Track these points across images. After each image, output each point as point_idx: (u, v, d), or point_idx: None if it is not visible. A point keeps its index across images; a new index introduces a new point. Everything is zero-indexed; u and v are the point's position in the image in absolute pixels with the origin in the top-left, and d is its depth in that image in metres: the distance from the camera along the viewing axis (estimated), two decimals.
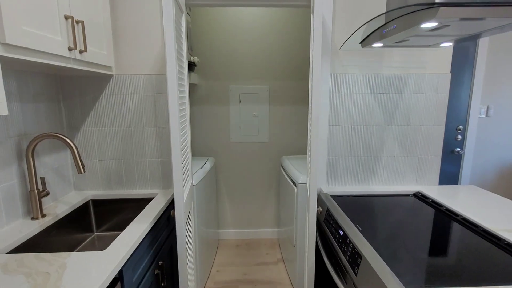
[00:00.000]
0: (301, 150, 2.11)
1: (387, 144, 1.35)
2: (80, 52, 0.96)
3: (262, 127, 2.08)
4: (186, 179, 1.18)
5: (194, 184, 1.49)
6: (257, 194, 2.18)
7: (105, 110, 1.28)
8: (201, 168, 1.71)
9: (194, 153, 2.12)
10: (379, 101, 1.31)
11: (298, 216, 1.51)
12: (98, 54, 1.10)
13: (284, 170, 1.87)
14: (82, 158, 1.30)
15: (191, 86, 2.03)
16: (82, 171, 1.02)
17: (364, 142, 1.34)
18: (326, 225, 1.14)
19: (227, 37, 1.97)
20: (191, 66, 1.68)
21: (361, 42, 1.12)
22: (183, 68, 1.17)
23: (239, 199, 2.18)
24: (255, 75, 2.01)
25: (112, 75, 1.26)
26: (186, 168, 1.19)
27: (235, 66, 2.00)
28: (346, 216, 1.06)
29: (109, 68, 1.22)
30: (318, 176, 1.40)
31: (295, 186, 1.53)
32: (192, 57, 1.68)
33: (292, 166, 1.74)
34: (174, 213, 0.99)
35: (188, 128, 1.24)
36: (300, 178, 1.48)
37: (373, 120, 1.32)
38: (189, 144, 1.26)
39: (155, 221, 1.10)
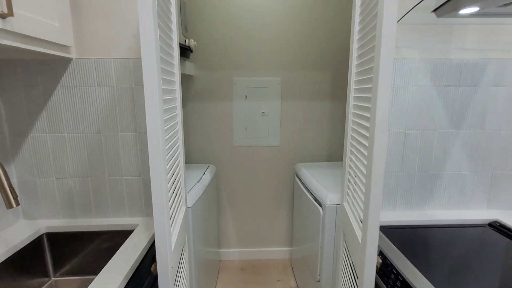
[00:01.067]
0: (319, 156, 1.75)
1: (451, 156, 0.99)
2: (1, 16, 0.59)
3: (273, 128, 1.72)
4: (177, 207, 0.82)
5: (190, 206, 1.13)
6: (265, 207, 1.83)
7: (62, 108, 0.91)
8: (198, 181, 1.35)
9: (190, 160, 1.76)
10: (444, 96, 0.95)
11: (325, 246, 1.16)
12: (43, 24, 0.72)
13: (301, 182, 1.51)
14: (32, 176, 0.93)
15: (186, 78, 1.66)
16: (14, 205, 0.66)
17: (422, 152, 0.99)
18: (381, 277, 0.79)
19: (233, 18, 1.59)
20: (185, 51, 1.31)
21: (435, 10, 0.76)
22: (172, 52, 0.80)
23: (244, 213, 1.83)
24: (265, 65, 1.64)
25: (71, 58, 0.89)
26: (177, 189, 0.83)
27: (242, 54, 1.63)
28: (414, 267, 0.71)
29: (65, 48, 0.84)
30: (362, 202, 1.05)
31: (321, 207, 1.18)
32: (187, 40, 1.31)
33: (312, 178, 1.39)
34: (155, 269, 0.64)
35: (180, 133, 0.87)
36: (328, 197, 1.13)
37: (435, 123, 0.97)
38: (181, 156, 0.90)
39: (133, 271, 0.74)
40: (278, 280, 1.70)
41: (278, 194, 1.81)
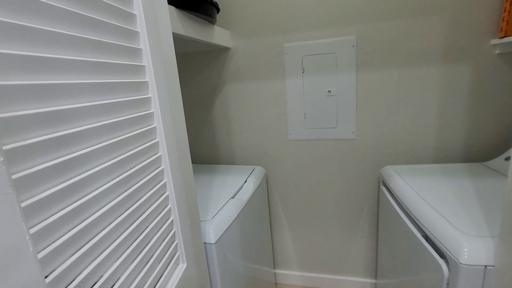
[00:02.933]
0: (421, 154, 1.13)
1: None
2: None
3: (344, 114, 1.17)
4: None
5: (213, 241, 0.73)
6: (335, 223, 1.32)
7: None
8: (233, 196, 0.94)
9: (230, 160, 1.37)
10: None
11: None
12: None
13: (394, 197, 0.95)
14: None
15: (219, 52, 1.25)
16: None
17: None
18: None
19: None
20: (205, 6, 0.88)
21: None
22: None
23: (306, 229, 1.36)
24: (328, 18, 1.09)
25: None
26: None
27: (292, 7, 1.12)
28: None
29: None
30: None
31: (445, 263, 0.62)
32: None
33: (419, 196, 0.82)
34: None
35: (162, 149, 0.46)
36: (465, 249, 0.57)
37: None
38: (172, 205, 0.49)
39: None
40: None
41: (354, 208, 1.27)
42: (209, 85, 1.30)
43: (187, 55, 1.30)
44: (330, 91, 1.16)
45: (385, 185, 1.08)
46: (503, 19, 0.92)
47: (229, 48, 1.23)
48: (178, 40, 0.99)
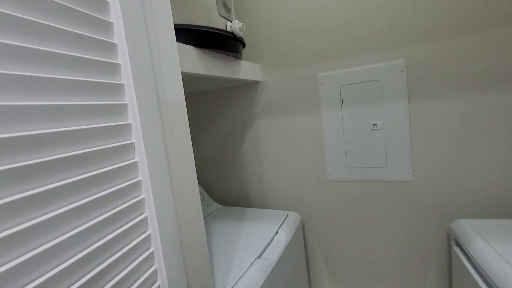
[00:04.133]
0: (507, 202, 0.86)
1: None
2: None
3: (395, 150, 0.97)
4: None
5: None
6: (393, 286, 1.06)
7: None
8: (260, 255, 0.78)
9: (264, 202, 1.22)
10: None
11: None
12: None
13: (480, 272, 0.69)
14: None
15: (248, 86, 1.16)
16: None
17: None
18: None
19: None
20: (231, 42, 0.81)
21: None
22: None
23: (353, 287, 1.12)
24: (367, 41, 0.95)
25: None
26: None
27: (325, 32, 1.00)
28: None
29: None
30: None
31: None
32: (228, 23, 0.81)
33: None
34: None
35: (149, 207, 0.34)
36: None
37: None
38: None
39: None
40: None
41: (416, 268, 1.01)
42: (239, 121, 1.22)
43: (212, 91, 1.25)
44: (376, 124, 0.98)
45: (458, 245, 0.83)
46: None
47: (259, 82, 1.15)
48: (200, 79, 0.93)
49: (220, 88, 1.23)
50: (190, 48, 0.68)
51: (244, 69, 0.99)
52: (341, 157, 1.05)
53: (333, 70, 1.02)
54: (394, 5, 0.89)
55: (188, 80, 0.92)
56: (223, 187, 1.31)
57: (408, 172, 0.97)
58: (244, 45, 0.92)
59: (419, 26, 0.88)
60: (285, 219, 1.01)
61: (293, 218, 1.03)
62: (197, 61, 0.70)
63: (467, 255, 0.76)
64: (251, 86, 1.17)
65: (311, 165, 1.11)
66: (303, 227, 1.16)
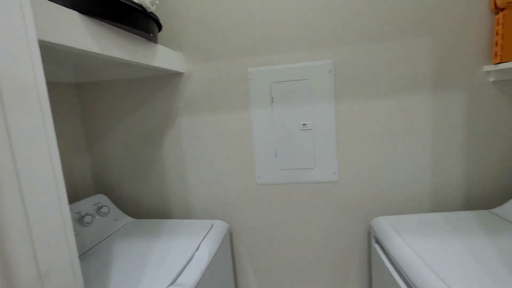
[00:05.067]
0: (417, 200, 0.93)
1: None
2: None
3: (323, 151, 0.96)
4: None
5: None
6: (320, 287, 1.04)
7: None
8: (173, 282, 0.63)
9: (187, 211, 1.07)
10: None
11: None
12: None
13: (397, 268, 0.70)
14: None
15: (171, 78, 1.01)
16: None
17: None
18: None
19: None
20: (141, 17, 0.65)
21: None
22: None
23: None
24: (299, 40, 0.92)
25: None
26: None
27: (257, 25, 0.93)
28: None
29: None
30: None
31: None
32: None
33: (427, 269, 0.59)
34: None
35: None
36: None
37: None
38: None
39: None
40: None
41: (340, 266, 1.01)
42: (157, 118, 1.04)
43: (123, 81, 1.04)
44: (305, 124, 0.96)
45: (378, 242, 0.85)
46: (496, 43, 0.80)
47: (182, 73, 1.00)
48: (100, 62, 0.74)
49: (134, 78, 1.03)
50: (72, 14, 0.50)
51: (162, 56, 0.83)
52: (271, 159, 0.99)
53: (264, 65, 0.95)
54: (323, 5, 0.88)
55: (80, 61, 0.71)
56: (137, 196, 1.10)
57: (334, 173, 0.96)
58: (159, 25, 0.77)
59: (346, 29, 0.88)
60: (209, 230, 0.88)
61: (218, 228, 0.91)
62: (85, 33, 0.53)
63: (385, 251, 0.78)
64: (172, 77, 1.01)
65: (240, 167, 1.01)
66: (231, 235, 1.06)
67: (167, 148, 1.04)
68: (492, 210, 0.84)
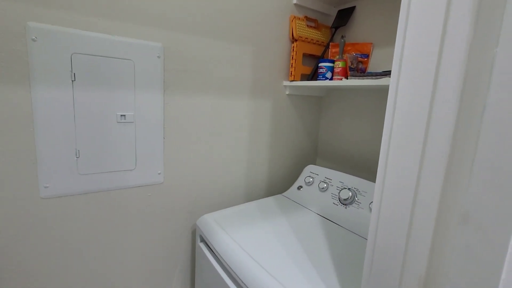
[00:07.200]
0: (237, 192, 1.01)
1: None
2: None
3: (147, 149, 0.81)
4: None
5: None
6: None
7: None
8: None
9: None
10: None
11: None
12: None
13: (218, 257, 0.72)
14: None
15: None
16: None
17: None
18: None
19: None
20: None
21: None
22: None
23: None
24: (124, 4, 0.71)
25: None
26: None
27: None
28: None
29: None
30: None
31: None
32: None
33: (252, 259, 0.66)
34: None
35: None
36: None
37: None
38: None
39: None
40: None
41: (163, 275, 0.92)
42: None
43: None
44: (124, 116, 0.76)
45: (203, 240, 0.84)
46: (292, 65, 1.02)
47: None
48: None
49: None
50: None
51: None
52: (70, 160, 0.70)
53: (61, 25, 0.64)
54: None
55: None
56: None
57: (159, 173, 0.85)
58: None
59: (181, 11, 0.78)
60: None
61: None
62: None
63: (210, 248, 0.79)
64: None
65: (8, 174, 0.64)
66: None
67: None
68: (284, 193, 1.08)
